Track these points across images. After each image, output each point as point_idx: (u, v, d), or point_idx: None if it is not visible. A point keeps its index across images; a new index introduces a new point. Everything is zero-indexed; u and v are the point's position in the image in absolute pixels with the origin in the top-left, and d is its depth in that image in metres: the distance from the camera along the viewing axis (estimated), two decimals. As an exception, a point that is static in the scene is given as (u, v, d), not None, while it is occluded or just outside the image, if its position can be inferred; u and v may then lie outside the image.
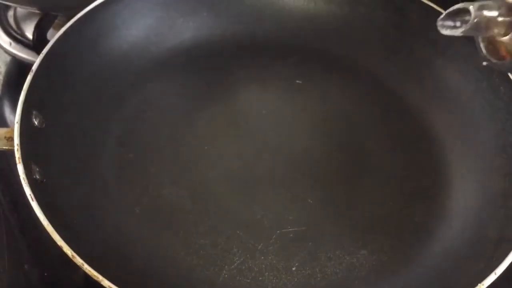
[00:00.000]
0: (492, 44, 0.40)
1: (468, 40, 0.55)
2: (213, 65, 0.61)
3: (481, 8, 0.38)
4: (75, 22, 0.53)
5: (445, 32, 0.39)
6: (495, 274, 0.40)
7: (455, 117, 0.57)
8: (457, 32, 0.38)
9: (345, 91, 0.61)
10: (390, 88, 0.61)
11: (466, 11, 0.38)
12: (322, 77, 0.62)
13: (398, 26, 0.61)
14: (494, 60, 0.40)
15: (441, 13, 0.57)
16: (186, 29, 0.62)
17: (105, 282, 0.37)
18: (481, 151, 0.53)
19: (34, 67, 0.48)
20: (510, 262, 0.41)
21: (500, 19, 0.38)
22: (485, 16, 0.38)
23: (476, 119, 0.55)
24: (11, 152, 0.44)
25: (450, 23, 0.39)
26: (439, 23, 0.39)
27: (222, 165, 0.54)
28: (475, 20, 0.37)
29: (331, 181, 0.53)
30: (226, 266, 0.46)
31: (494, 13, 0.38)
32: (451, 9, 0.39)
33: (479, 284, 0.39)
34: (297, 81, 0.61)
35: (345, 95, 0.61)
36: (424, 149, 0.56)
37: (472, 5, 0.38)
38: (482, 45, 0.41)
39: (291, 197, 0.52)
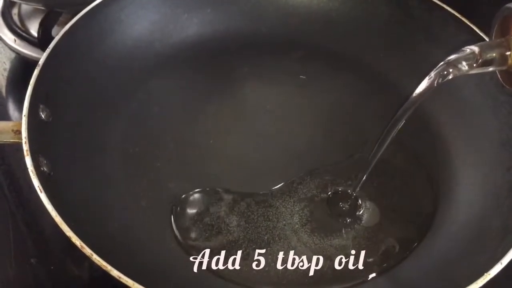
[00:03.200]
0: (506, 73, 0.41)
1: (471, 36, 0.56)
2: (218, 61, 0.62)
3: (487, 47, 0.39)
4: (81, 17, 0.53)
5: (458, 73, 0.39)
6: (501, 264, 0.40)
7: (458, 111, 0.57)
8: (470, 71, 0.39)
9: (348, 86, 0.62)
10: (393, 83, 0.61)
11: (472, 53, 0.39)
12: (326, 73, 0.62)
13: (401, 22, 0.62)
14: (508, 87, 0.41)
15: (444, 8, 0.59)
16: (191, 25, 0.62)
17: (114, 272, 0.37)
18: (485, 144, 0.54)
19: (41, 62, 0.48)
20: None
21: (507, 53, 0.39)
22: (492, 54, 0.39)
23: (479, 113, 0.55)
24: (18, 147, 0.44)
25: (461, 64, 0.40)
26: (449, 63, 0.40)
27: (227, 158, 0.54)
28: (483, 59, 0.39)
29: (335, 175, 0.53)
30: (232, 257, 0.47)
31: (500, 50, 0.39)
32: (458, 51, 0.40)
33: (485, 274, 0.40)
34: (301, 77, 0.62)
35: (348, 90, 0.62)
36: (428, 143, 0.57)
37: (478, 46, 0.39)
38: (498, 74, 0.42)
39: (297, 189, 0.52)
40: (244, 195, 0.51)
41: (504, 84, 0.42)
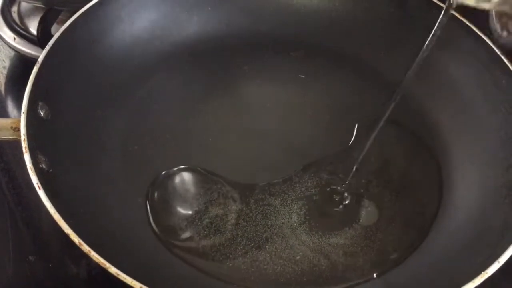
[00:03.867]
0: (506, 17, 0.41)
1: (470, 36, 0.56)
2: (217, 59, 0.62)
3: None
4: (81, 15, 0.53)
5: (475, 4, 0.39)
6: (499, 262, 0.40)
7: (457, 110, 0.57)
8: (490, 5, 0.39)
9: (348, 85, 0.62)
10: (392, 82, 0.61)
11: None
12: (325, 72, 0.62)
13: (400, 21, 0.62)
14: (505, 34, 0.41)
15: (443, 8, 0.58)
16: (191, 24, 0.62)
17: (112, 269, 0.37)
18: (484, 143, 0.54)
19: (40, 59, 0.48)
20: (513, 251, 0.41)
21: None
22: None
23: (479, 112, 0.55)
24: (17, 144, 0.44)
25: None
26: None
27: (226, 156, 0.54)
28: None
29: (334, 173, 0.53)
30: (231, 256, 0.47)
31: None
32: None
33: (482, 272, 0.40)
34: (300, 76, 0.62)
35: (348, 89, 0.62)
36: (427, 142, 0.57)
37: None
38: (495, 20, 0.41)
39: (295, 187, 0.52)
40: (244, 188, 0.51)
41: (500, 30, 0.41)
